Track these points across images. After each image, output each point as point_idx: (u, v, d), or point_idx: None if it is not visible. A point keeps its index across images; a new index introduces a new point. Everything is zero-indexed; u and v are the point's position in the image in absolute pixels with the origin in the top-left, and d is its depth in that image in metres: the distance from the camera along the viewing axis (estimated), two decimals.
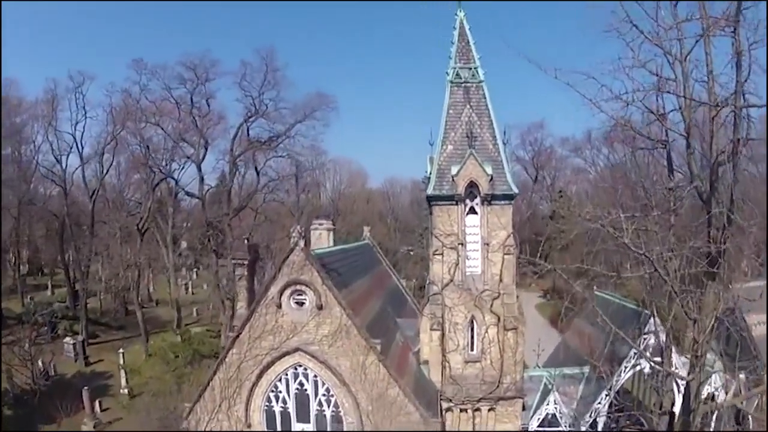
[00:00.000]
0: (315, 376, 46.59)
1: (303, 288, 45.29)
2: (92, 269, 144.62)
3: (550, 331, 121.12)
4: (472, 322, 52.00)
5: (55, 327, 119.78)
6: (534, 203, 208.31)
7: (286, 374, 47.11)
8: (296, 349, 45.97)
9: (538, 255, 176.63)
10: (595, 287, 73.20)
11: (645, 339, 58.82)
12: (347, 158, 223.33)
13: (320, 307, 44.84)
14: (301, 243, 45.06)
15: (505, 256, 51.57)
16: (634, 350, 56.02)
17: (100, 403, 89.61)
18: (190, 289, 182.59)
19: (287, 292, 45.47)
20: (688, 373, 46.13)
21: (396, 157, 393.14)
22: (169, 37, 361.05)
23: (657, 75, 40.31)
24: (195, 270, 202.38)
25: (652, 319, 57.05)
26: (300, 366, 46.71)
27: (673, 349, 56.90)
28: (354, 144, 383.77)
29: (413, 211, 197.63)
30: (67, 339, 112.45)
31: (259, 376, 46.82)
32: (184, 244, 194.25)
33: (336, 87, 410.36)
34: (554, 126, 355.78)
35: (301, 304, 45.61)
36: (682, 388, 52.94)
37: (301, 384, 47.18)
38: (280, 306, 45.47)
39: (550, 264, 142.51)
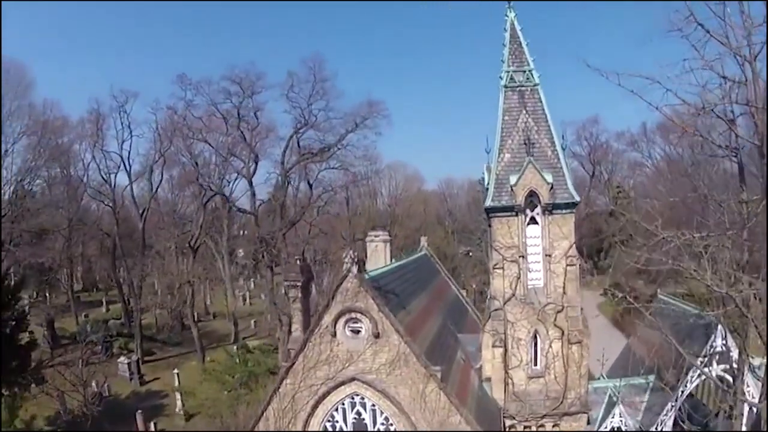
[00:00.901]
0: (373, 405, 44.60)
1: (358, 316, 43.30)
2: (148, 282, 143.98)
3: (613, 332, 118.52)
4: (536, 336, 50.27)
5: (110, 346, 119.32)
6: (592, 199, 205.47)
7: (343, 404, 45.21)
8: (353, 379, 44.01)
9: (598, 252, 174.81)
10: (658, 291, 70.43)
11: (712, 347, 55.99)
12: (402, 162, 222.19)
13: (377, 335, 42.85)
14: (354, 269, 42.97)
15: (568, 267, 49.86)
16: (700, 359, 53.28)
17: (155, 424, 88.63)
18: (247, 300, 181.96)
19: (342, 320, 43.60)
20: (760, 398, 43.85)
21: (452, 157, 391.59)
22: (210, 49, 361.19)
23: (724, 77, 37.45)
24: (252, 279, 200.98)
25: (721, 335, 54.13)
26: (357, 395, 44.79)
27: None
28: (408, 146, 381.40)
29: (470, 212, 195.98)
30: (122, 359, 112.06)
31: (315, 407, 44.84)
32: (241, 253, 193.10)
33: (384, 88, 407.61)
34: (608, 118, 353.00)
35: (356, 332, 43.70)
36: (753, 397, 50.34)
37: (358, 413, 45.23)
38: (334, 335, 43.63)
39: (610, 261, 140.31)
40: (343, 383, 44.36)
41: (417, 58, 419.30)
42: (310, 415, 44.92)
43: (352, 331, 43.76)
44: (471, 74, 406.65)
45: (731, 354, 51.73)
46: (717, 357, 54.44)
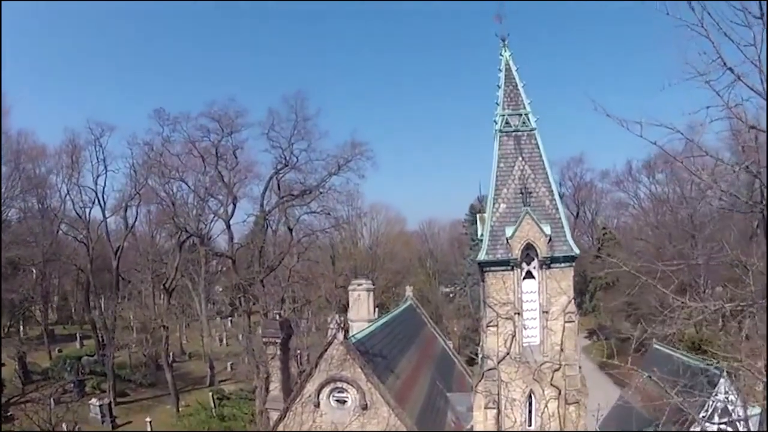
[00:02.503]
0: None
1: (344, 385, 40.17)
2: (123, 319, 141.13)
3: (601, 377, 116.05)
4: (531, 396, 47.24)
5: (83, 385, 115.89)
6: (575, 239, 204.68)
7: None
8: None
9: (582, 294, 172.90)
10: (654, 341, 67.78)
11: (713, 402, 53.38)
12: (384, 203, 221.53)
13: (365, 407, 39.80)
14: (340, 335, 39.86)
15: (566, 324, 46.95)
16: (702, 414, 50.54)
17: None
18: (224, 341, 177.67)
19: (326, 389, 40.47)
20: None
21: (434, 197, 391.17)
22: (189, 83, 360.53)
23: (753, 127, 34.46)
24: (230, 319, 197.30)
25: (724, 388, 51.62)
26: None
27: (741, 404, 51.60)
28: (390, 187, 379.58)
29: (453, 253, 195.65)
30: (93, 400, 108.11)
31: None
32: (219, 289, 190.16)
33: (366, 126, 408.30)
34: (592, 156, 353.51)
35: (342, 402, 40.67)
36: None
37: None
38: (318, 405, 40.59)
39: (595, 303, 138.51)
40: None
41: (401, 96, 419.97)
42: None
43: (337, 401, 41.00)
44: (456, 113, 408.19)
45: (736, 408, 49.36)
46: (719, 411, 52.08)
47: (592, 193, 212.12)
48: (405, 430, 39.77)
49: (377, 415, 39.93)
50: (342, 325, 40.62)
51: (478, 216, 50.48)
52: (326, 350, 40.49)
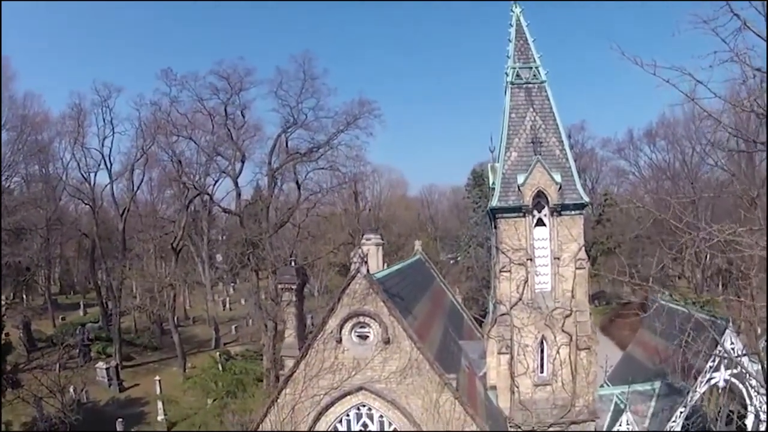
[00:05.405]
0: (381, 416, 42.02)
1: (367, 320, 40.70)
2: (127, 285, 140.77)
3: (602, 339, 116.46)
4: (542, 342, 48.30)
5: (88, 349, 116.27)
6: None
7: (348, 415, 42.58)
8: (360, 388, 41.50)
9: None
10: (659, 295, 68.31)
11: (720, 351, 53.98)
12: (387, 166, 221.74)
13: (387, 341, 40.24)
14: (364, 269, 40.31)
15: (577, 271, 48.08)
16: (709, 364, 51.25)
17: None
18: (227, 305, 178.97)
19: (348, 325, 40.99)
20: None
21: (436, 162, 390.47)
22: (197, 43, 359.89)
23: (758, 70, 35.21)
24: (232, 285, 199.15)
25: (730, 338, 52.12)
26: (364, 406, 42.25)
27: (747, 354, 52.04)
28: (394, 150, 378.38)
29: (455, 218, 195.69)
30: (100, 364, 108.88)
31: (317, 419, 42.20)
32: (219, 257, 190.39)
33: (372, 88, 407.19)
34: (593, 123, 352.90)
35: (364, 337, 41.12)
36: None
37: (365, 425, 42.58)
38: (340, 341, 41.02)
39: (596, 268, 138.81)
40: (348, 393, 41.95)
41: (407, 60, 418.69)
42: (312, 427, 42.38)
43: (359, 336, 41.36)
44: (460, 81, 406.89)
45: (740, 359, 49.95)
46: (725, 361, 52.56)
47: (592, 161, 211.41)
48: (427, 363, 40.25)
49: (399, 350, 40.08)
50: (365, 259, 41.03)
51: (489, 166, 51.24)
52: (349, 284, 40.71)
